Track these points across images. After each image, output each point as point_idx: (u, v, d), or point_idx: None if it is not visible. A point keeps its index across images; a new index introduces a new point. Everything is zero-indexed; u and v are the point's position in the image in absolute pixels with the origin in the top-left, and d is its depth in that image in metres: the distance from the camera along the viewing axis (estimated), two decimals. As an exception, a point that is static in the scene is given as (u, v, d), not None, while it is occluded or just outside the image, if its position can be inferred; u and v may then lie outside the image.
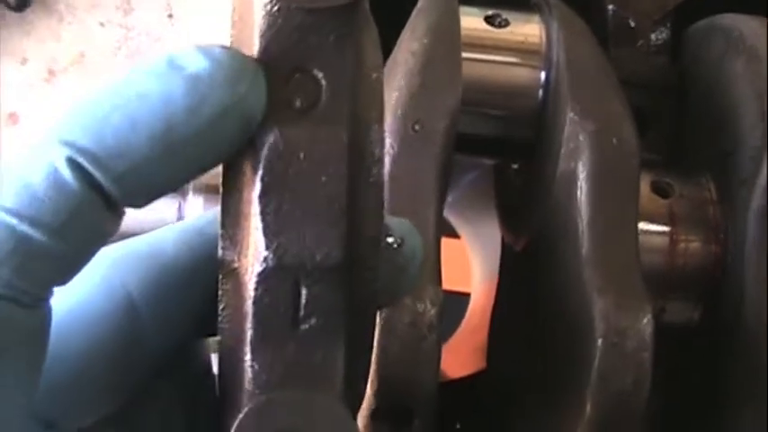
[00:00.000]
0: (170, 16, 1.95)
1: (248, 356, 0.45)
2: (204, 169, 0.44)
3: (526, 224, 0.85)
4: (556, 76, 0.80)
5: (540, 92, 0.81)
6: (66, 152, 0.41)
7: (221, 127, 0.42)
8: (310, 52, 0.44)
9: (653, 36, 0.92)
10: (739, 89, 0.81)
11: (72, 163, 0.41)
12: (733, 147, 0.81)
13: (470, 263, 1.39)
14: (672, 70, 0.92)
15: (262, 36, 0.43)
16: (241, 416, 0.44)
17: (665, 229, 0.83)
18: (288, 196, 0.44)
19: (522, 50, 0.83)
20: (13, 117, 1.83)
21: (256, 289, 0.44)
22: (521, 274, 0.89)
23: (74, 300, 0.46)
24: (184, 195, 0.80)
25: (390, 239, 0.51)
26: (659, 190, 0.84)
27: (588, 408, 0.71)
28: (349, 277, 0.46)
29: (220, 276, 0.47)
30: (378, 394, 0.70)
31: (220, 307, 0.47)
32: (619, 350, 0.71)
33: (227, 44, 0.46)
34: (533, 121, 0.82)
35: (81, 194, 0.41)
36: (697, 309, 0.84)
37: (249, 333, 0.45)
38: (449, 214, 1.31)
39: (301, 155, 0.44)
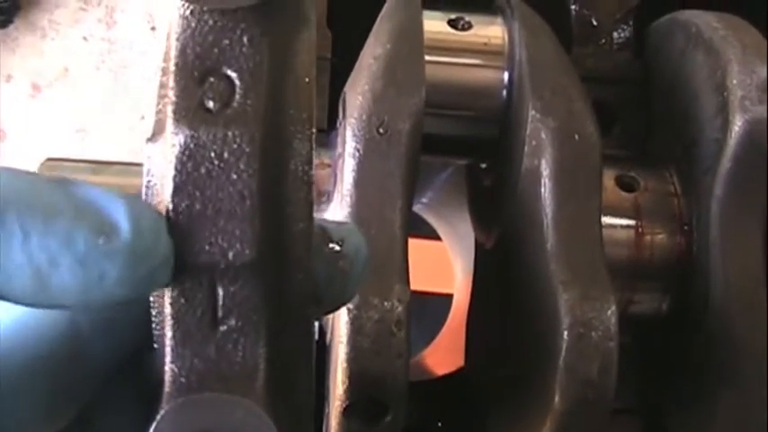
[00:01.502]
0: (153, 29, 1.97)
1: (168, 359, 0.46)
2: (75, 309, 0.45)
3: (495, 222, 0.86)
4: (518, 76, 0.81)
5: (504, 92, 0.83)
6: None
7: (107, 290, 0.42)
8: (224, 53, 0.44)
9: (615, 34, 0.94)
10: (698, 82, 0.83)
11: None
12: (694, 138, 0.83)
13: (452, 263, 1.41)
14: (636, 66, 0.94)
15: (177, 39, 0.44)
16: (158, 418, 0.44)
17: (631, 222, 0.84)
18: (199, 196, 0.44)
19: (486, 52, 0.84)
20: (-1, 133, 1.84)
21: (173, 290, 0.45)
22: (492, 271, 0.91)
23: (15, 315, 0.46)
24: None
25: (331, 245, 0.51)
26: (624, 184, 0.86)
27: (556, 398, 0.73)
28: (268, 276, 0.46)
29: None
30: (349, 390, 0.71)
31: (153, 312, 0.47)
32: (584, 341, 0.72)
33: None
34: (498, 120, 0.84)
35: None
36: (665, 299, 0.86)
37: (168, 335, 0.46)
38: (427, 215, 1.33)
39: (212, 154, 0.44)
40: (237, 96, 0.45)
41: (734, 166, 0.79)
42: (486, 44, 0.84)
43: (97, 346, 0.48)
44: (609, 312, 0.73)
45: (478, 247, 0.95)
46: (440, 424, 1.01)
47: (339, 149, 0.78)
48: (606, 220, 0.82)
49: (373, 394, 0.72)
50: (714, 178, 0.80)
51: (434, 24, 0.84)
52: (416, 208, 1.29)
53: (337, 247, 0.51)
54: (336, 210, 0.76)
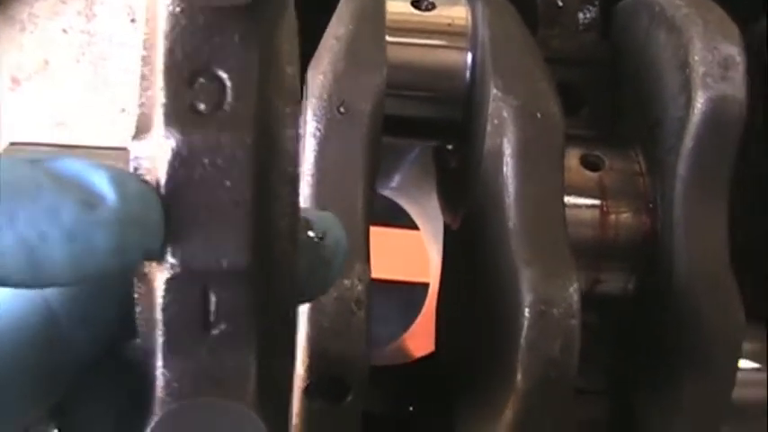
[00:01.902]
0: (133, 21, 1.96)
1: (160, 363, 0.45)
2: (68, 284, 0.44)
3: (460, 203, 0.86)
4: (481, 56, 0.81)
5: (468, 72, 0.83)
6: None
7: (98, 260, 0.42)
8: (215, 53, 0.43)
9: (581, 14, 0.94)
10: (662, 60, 0.83)
11: None
12: (659, 117, 0.83)
13: (427, 249, 1.41)
14: (602, 47, 0.93)
15: (165, 38, 0.43)
16: (152, 424, 0.44)
17: (596, 202, 0.84)
18: (192, 202, 0.43)
19: (449, 33, 0.84)
20: (-22, 126, 1.83)
21: (164, 297, 0.44)
22: (459, 252, 0.91)
23: None
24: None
25: (312, 233, 0.51)
26: (589, 164, 0.86)
27: (519, 377, 0.72)
28: (259, 280, 0.45)
29: (135, 280, 0.46)
30: (310, 369, 0.71)
31: (137, 309, 0.46)
32: (546, 318, 0.72)
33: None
34: (463, 101, 0.83)
35: None
36: (631, 279, 0.86)
37: (160, 341, 0.45)
38: (398, 199, 1.33)
39: (205, 160, 0.43)
40: (229, 98, 0.44)
41: (696, 144, 0.79)
42: (449, 25, 0.84)
43: (75, 334, 0.48)
44: (571, 290, 0.73)
45: (447, 229, 0.95)
46: (411, 408, 1.01)
47: (301, 130, 0.77)
48: (571, 199, 0.83)
49: (334, 374, 0.72)
50: (678, 157, 0.80)
51: (398, 5, 0.84)
52: (387, 193, 1.29)
53: (317, 238, 0.51)
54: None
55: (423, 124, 0.86)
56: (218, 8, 0.42)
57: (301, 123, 0.77)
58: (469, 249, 0.84)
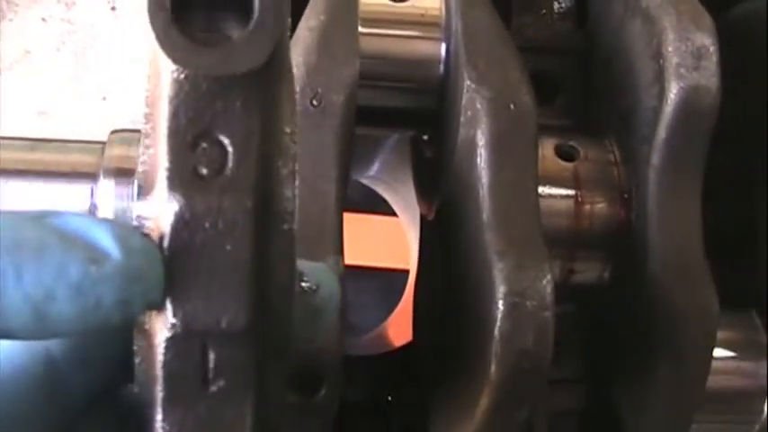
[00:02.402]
0: (113, 9, 1.95)
1: (159, 417, 0.47)
2: (75, 334, 0.45)
3: (435, 193, 0.86)
4: (455, 47, 0.81)
5: (442, 63, 0.83)
6: None
7: (104, 314, 0.43)
8: (217, 118, 0.44)
9: (556, 3, 0.94)
10: (636, 50, 0.83)
11: None
12: (633, 107, 0.83)
13: (407, 237, 1.41)
14: (577, 36, 0.93)
15: (169, 102, 0.44)
16: None
17: (570, 192, 0.84)
18: (194, 264, 0.45)
19: (423, 23, 0.84)
20: (-41, 116, 1.82)
21: (165, 354, 0.45)
22: (434, 243, 0.91)
23: None
24: (96, 180, 0.81)
25: (305, 284, 0.53)
26: (563, 153, 0.86)
27: (492, 368, 0.72)
28: (257, 337, 0.46)
29: (135, 333, 0.47)
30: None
31: (136, 360, 0.48)
32: (519, 310, 0.72)
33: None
34: (437, 92, 0.83)
35: None
36: (606, 268, 0.86)
37: (160, 396, 0.46)
38: (378, 188, 1.33)
39: (206, 224, 0.44)
40: (230, 164, 0.44)
41: (670, 134, 0.79)
42: (423, 15, 0.84)
43: (74, 378, 0.49)
44: (544, 282, 0.73)
45: (423, 218, 0.95)
46: (389, 398, 1.01)
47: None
48: (545, 189, 0.83)
49: (307, 367, 0.72)
50: (651, 147, 0.80)
51: (371, -4, 0.84)
52: (366, 180, 1.29)
53: (312, 289, 0.53)
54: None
55: (397, 114, 0.86)
56: (221, 76, 0.43)
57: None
58: (444, 239, 0.84)
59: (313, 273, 0.54)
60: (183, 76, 0.43)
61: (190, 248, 0.45)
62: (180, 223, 0.44)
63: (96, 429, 0.52)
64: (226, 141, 0.44)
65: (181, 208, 0.44)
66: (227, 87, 0.44)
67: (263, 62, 0.43)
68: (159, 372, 0.46)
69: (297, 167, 0.48)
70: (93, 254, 0.42)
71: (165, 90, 0.44)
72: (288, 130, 0.47)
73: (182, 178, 0.44)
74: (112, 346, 0.50)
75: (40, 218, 0.43)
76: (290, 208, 0.47)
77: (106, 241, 0.43)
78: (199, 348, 0.46)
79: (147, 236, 0.45)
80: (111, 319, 0.43)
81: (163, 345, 0.45)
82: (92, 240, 0.43)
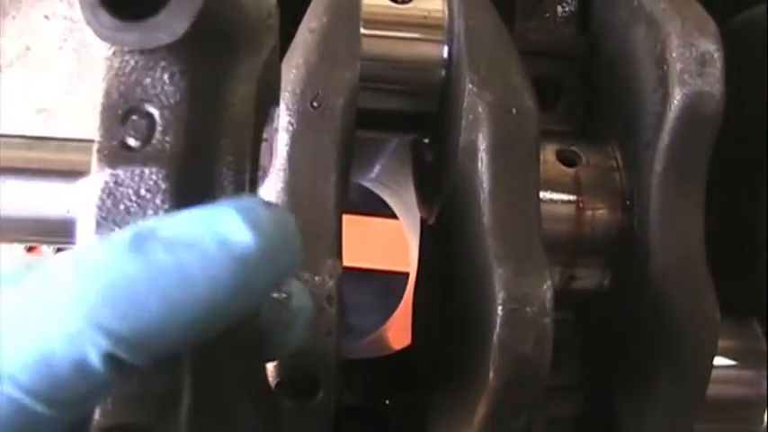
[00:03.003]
0: (116, 7, 1.94)
1: None
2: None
3: (436, 197, 0.85)
4: (457, 50, 0.80)
5: (444, 66, 0.82)
6: (101, 342, 0.41)
7: (262, 295, 0.45)
8: (145, 91, 0.46)
9: (560, 8, 0.93)
10: (640, 55, 0.82)
11: (105, 354, 0.41)
12: (635, 113, 0.82)
13: (408, 240, 1.41)
14: (580, 40, 0.93)
15: (103, 80, 0.47)
16: None
17: (572, 197, 0.84)
18: (118, 231, 0.46)
19: (426, 25, 0.83)
20: (-40, 113, 1.82)
21: None
22: (434, 247, 0.90)
23: None
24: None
25: (276, 294, 0.53)
26: (565, 159, 0.85)
27: (491, 375, 0.72)
28: None
29: None
30: (280, 367, 0.70)
31: None
32: (519, 316, 0.71)
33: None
34: (438, 94, 0.83)
35: (105, 380, 0.42)
36: (606, 274, 0.85)
37: None
38: (379, 190, 1.32)
39: (130, 191, 0.46)
40: (157, 133, 0.46)
41: (673, 140, 0.78)
42: (425, 17, 0.83)
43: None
44: (544, 288, 0.72)
45: (423, 222, 0.95)
46: (388, 402, 1.00)
47: (274, 124, 0.77)
48: (547, 194, 0.82)
49: (304, 371, 0.71)
50: (654, 153, 0.79)
51: (374, -3, 0.83)
52: (367, 183, 1.28)
53: (283, 297, 0.53)
54: (272, 184, 0.75)
55: (398, 117, 0.86)
56: (147, 49, 0.45)
57: (275, 117, 0.76)
58: (444, 244, 0.84)
59: (287, 283, 0.54)
60: (112, 52, 0.46)
61: (114, 216, 0.46)
62: (105, 193, 0.46)
63: None
64: (155, 113, 0.46)
65: (106, 178, 0.46)
66: (152, 61, 0.46)
67: (184, 33, 0.44)
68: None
69: (248, 141, 0.49)
70: (235, 253, 0.42)
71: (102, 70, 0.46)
72: (241, 111, 0.48)
73: (109, 150, 0.46)
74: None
75: (161, 233, 0.43)
76: (229, 180, 0.48)
77: (239, 232, 0.43)
78: None
79: (273, 206, 0.45)
80: (267, 295, 0.46)
81: None
82: (226, 237, 0.42)
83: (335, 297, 0.71)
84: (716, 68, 0.78)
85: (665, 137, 0.78)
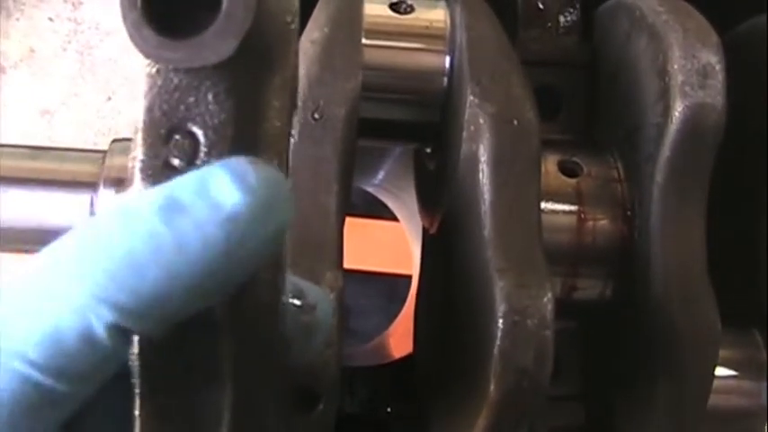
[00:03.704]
0: (120, 9, 1.95)
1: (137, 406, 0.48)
2: (233, 287, 0.46)
3: (437, 207, 0.86)
4: (458, 60, 0.81)
5: (446, 76, 0.82)
6: (106, 314, 0.42)
7: (256, 256, 0.44)
8: (189, 111, 0.45)
9: (562, 17, 0.93)
10: (641, 66, 0.82)
11: (110, 325, 0.42)
12: (637, 124, 0.82)
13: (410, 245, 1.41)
14: (582, 50, 0.93)
15: (144, 97, 0.45)
16: None
17: (573, 208, 0.84)
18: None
19: (427, 36, 0.83)
20: (-35, 114, 1.82)
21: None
22: (436, 256, 0.90)
23: None
24: (96, 189, 0.81)
25: (299, 302, 0.54)
26: (566, 169, 0.85)
27: (491, 387, 0.72)
28: (236, 328, 0.47)
29: None
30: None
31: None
32: (520, 328, 0.72)
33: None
34: (440, 105, 0.83)
35: (113, 350, 0.43)
36: (608, 285, 0.85)
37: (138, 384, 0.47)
38: (382, 196, 1.33)
39: None
40: (202, 154, 0.46)
41: (674, 151, 0.78)
42: (427, 28, 0.83)
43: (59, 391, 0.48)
44: (545, 300, 0.72)
45: (425, 231, 0.95)
46: (389, 410, 1.00)
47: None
48: (548, 205, 0.82)
49: (304, 384, 0.71)
50: (655, 164, 0.79)
51: (376, 8, 0.83)
52: (371, 189, 1.28)
53: (309, 307, 0.54)
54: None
55: (400, 127, 0.86)
56: (192, 68, 0.44)
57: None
58: (445, 254, 0.84)
59: (312, 292, 0.55)
60: (155, 70, 0.45)
61: None
62: None
63: (103, 414, 0.51)
64: (198, 132, 0.46)
65: None
66: (197, 80, 0.45)
67: (232, 53, 0.44)
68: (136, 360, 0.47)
69: (288, 162, 0.49)
70: (225, 213, 0.43)
71: (141, 85, 0.45)
72: (277, 123, 0.48)
73: (153, 169, 0.45)
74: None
75: (153, 201, 0.43)
76: None
77: (228, 192, 0.43)
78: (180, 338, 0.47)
79: (257, 162, 0.45)
80: (263, 257, 0.45)
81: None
82: (215, 199, 0.43)
83: (337, 309, 0.71)
84: (717, 80, 0.78)
85: (666, 149, 0.78)
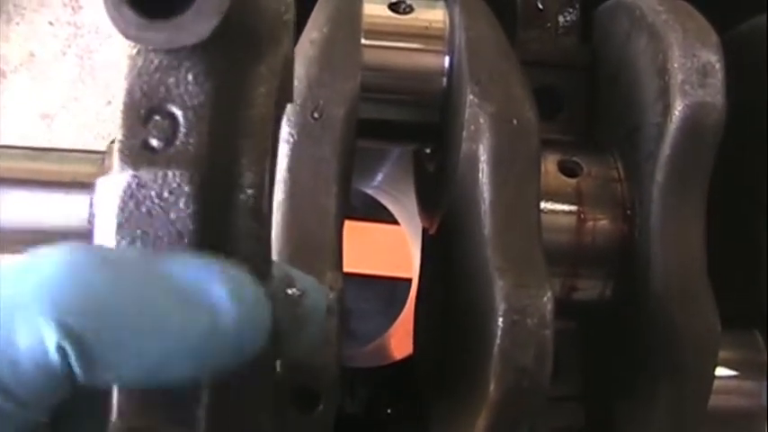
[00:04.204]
0: (120, 13, 1.95)
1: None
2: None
3: (437, 207, 0.86)
4: (458, 60, 0.81)
5: (445, 76, 0.82)
6: (62, 338, 0.41)
7: (218, 367, 0.45)
8: (169, 91, 0.45)
9: (561, 18, 0.93)
10: (641, 66, 0.82)
11: (62, 351, 0.41)
12: (637, 123, 0.82)
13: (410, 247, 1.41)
14: (582, 51, 0.93)
15: (125, 78, 0.45)
16: None
17: (573, 208, 0.84)
18: (140, 234, 0.46)
19: (427, 36, 0.83)
20: (-35, 118, 1.82)
21: None
22: (436, 257, 0.90)
23: None
24: (95, 190, 0.80)
25: (291, 290, 0.53)
26: (566, 169, 0.85)
27: (491, 386, 0.72)
28: None
29: None
30: (281, 377, 0.70)
31: None
32: (519, 328, 0.72)
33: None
34: (440, 105, 0.83)
35: (65, 380, 0.42)
36: (608, 285, 0.85)
37: None
38: (381, 198, 1.32)
39: (152, 193, 0.46)
40: (180, 135, 0.46)
41: (674, 151, 0.78)
42: (426, 28, 0.83)
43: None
44: (544, 299, 0.72)
45: (425, 231, 0.95)
46: (389, 411, 1.00)
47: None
48: (548, 205, 0.82)
49: (305, 384, 0.71)
50: (655, 164, 0.79)
51: (375, 8, 0.83)
52: (370, 191, 1.28)
53: (296, 296, 0.53)
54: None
55: (400, 128, 0.86)
56: (172, 49, 0.45)
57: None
58: (445, 254, 0.84)
59: (302, 281, 0.54)
60: (135, 51, 0.45)
61: (136, 218, 0.46)
62: (127, 193, 0.46)
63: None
64: (178, 113, 0.46)
65: (128, 180, 0.46)
66: (177, 60, 0.45)
67: (210, 34, 0.44)
68: None
69: (268, 145, 0.48)
70: (212, 317, 0.43)
71: (123, 67, 0.45)
72: (263, 110, 0.48)
73: (131, 150, 0.46)
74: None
75: (164, 273, 0.44)
76: (250, 180, 0.48)
77: (221, 297, 0.44)
78: None
79: (257, 283, 0.46)
80: (222, 371, 0.45)
81: None
82: (208, 298, 0.44)
83: (336, 309, 0.71)
84: (717, 79, 0.78)
85: (666, 148, 0.78)
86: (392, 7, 0.84)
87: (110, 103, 1.88)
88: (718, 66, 0.78)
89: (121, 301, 0.42)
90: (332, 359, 0.71)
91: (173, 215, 0.46)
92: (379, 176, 1.21)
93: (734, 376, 0.87)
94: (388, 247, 1.67)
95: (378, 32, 0.82)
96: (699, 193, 0.79)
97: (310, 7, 0.81)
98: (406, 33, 0.83)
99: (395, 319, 1.57)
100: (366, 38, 0.80)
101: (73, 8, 1.92)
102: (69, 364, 0.42)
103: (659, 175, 0.79)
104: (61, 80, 1.90)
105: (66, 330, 0.41)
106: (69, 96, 1.90)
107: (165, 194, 0.46)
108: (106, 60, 1.90)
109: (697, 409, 0.81)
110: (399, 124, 0.85)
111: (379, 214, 1.52)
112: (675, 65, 0.78)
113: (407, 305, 1.44)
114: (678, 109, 0.77)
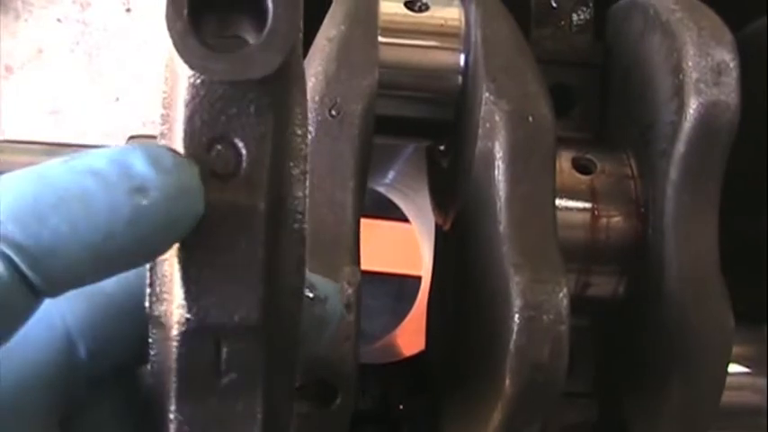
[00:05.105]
0: (128, 11, 1.95)
1: (173, 407, 0.49)
2: (133, 267, 0.46)
3: (451, 204, 0.86)
4: (474, 58, 0.81)
5: (460, 73, 0.83)
6: (5, 250, 0.42)
7: (160, 237, 0.45)
8: (231, 122, 0.45)
9: (575, 16, 0.94)
10: (656, 64, 0.83)
11: (4, 257, 0.42)
12: (651, 121, 0.83)
13: (420, 245, 1.41)
14: (596, 48, 0.93)
15: (186, 106, 0.45)
16: None
17: (587, 205, 0.84)
18: (208, 261, 0.46)
19: (442, 33, 0.84)
20: (-28, 114, 1.83)
21: (179, 347, 0.47)
22: (450, 253, 0.91)
23: None
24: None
25: (311, 294, 0.54)
26: (580, 166, 0.85)
27: (507, 382, 0.72)
28: (267, 333, 0.48)
29: (150, 325, 0.48)
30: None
31: (151, 351, 0.49)
32: (535, 324, 0.72)
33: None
34: (455, 102, 0.83)
35: (8, 285, 0.42)
36: (621, 282, 0.86)
37: (173, 387, 0.48)
38: (392, 195, 1.33)
39: (222, 221, 0.46)
40: (244, 165, 0.46)
41: (688, 149, 0.78)
42: (442, 26, 0.84)
43: (90, 362, 0.50)
44: (560, 295, 0.73)
45: (438, 228, 0.95)
46: (401, 407, 1.01)
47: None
48: (562, 202, 0.83)
49: (322, 377, 0.72)
50: (669, 161, 0.80)
51: (391, 6, 0.84)
52: (381, 189, 1.29)
53: (320, 300, 0.55)
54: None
55: (415, 124, 0.86)
56: (235, 81, 0.44)
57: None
58: (460, 250, 0.84)
59: (322, 285, 0.56)
60: (199, 81, 0.44)
61: (206, 245, 0.46)
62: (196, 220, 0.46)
63: (105, 410, 0.53)
64: (240, 144, 0.46)
65: None
66: (241, 92, 0.45)
67: (277, 68, 0.44)
68: (174, 364, 0.47)
69: (307, 169, 0.49)
70: (135, 183, 0.43)
71: (182, 94, 0.45)
72: (299, 132, 0.48)
73: (201, 177, 0.46)
74: (127, 334, 0.51)
75: (70, 163, 0.44)
76: (300, 208, 0.48)
77: (141, 166, 0.44)
78: (212, 343, 0.47)
79: (175, 151, 0.46)
80: (167, 241, 0.45)
81: (177, 339, 0.47)
82: (128, 169, 0.44)
83: (354, 304, 0.71)
84: (731, 78, 0.78)
85: (680, 146, 0.79)
86: (408, 5, 0.84)
87: (117, 99, 1.88)
88: (732, 64, 0.78)
89: (50, 199, 0.42)
90: (349, 353, 0.72)
91: (243, 244, 0.46)
92: (391, 174, 1.21)
93: (746, 373, 0.88)
94: (396, 245, 1.68)
95: (394, 30, 0.83)
96: (712, 192, 0.79)
97: (327, 5, 0.82)
98: (422, 31, 0.84)
99: (403, 316, 1.57)
100: (382, 35, 0.81)
101: (81, 5, 1.93)
102: (18, 271, 0.42)
103: (673, 173, 0.80)
104: (69, 77, 1.91)
105: (4, 239, 0.42)
106: (77, 93, 1.90)
107: (234, 223, 0.46)
108: (114, 58, 1.90)
109: (709, 408, 0.81)
110: (414, 121, 0.86)
111: (389, 211, 1.52)
112: (690, 63, 0.79)
113: (416, 302, 1.44)
114: (692, 107, 0.78)
